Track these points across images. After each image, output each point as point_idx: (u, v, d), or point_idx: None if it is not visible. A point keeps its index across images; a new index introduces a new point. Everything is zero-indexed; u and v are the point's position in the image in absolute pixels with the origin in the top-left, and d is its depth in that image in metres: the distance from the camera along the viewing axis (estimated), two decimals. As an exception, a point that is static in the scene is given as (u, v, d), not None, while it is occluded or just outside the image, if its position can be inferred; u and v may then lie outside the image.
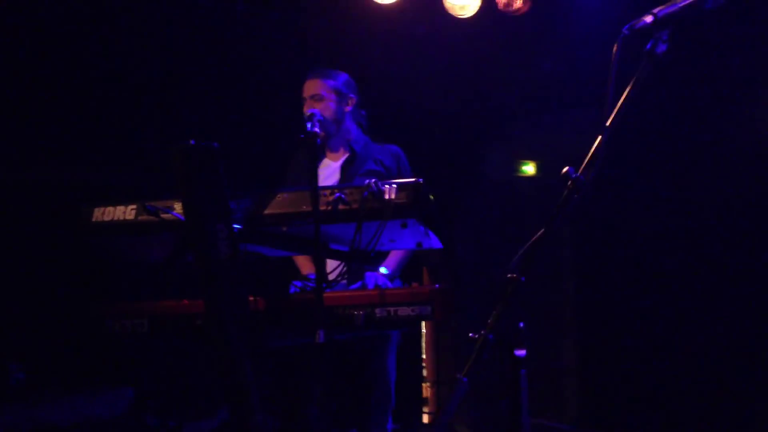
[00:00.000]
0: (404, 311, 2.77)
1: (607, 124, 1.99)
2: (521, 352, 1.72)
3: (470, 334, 1.73)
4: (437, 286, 2.77)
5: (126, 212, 2.90)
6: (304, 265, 3.82)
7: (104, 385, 5.01)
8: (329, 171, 3.89)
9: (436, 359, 6.53)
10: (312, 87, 3.82)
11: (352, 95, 3.91)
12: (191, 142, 2.64)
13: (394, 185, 2.70)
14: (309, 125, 2.90)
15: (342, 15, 5.37)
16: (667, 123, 5.19)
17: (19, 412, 4.65)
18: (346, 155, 3.92)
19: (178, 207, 2.83)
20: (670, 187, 5.33)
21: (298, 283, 3.34)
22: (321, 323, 2.57)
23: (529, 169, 6.72)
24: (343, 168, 3.88)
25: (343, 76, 3.91)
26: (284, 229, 2.80)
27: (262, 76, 5.47)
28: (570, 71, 5.69)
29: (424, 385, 6.48)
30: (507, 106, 6.18)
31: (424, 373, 6.51)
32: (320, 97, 3.79)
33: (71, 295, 4.71)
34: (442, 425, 1.90)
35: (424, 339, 6.50)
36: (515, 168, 6.69)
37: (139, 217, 2.88)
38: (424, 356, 6.50)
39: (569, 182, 1.95)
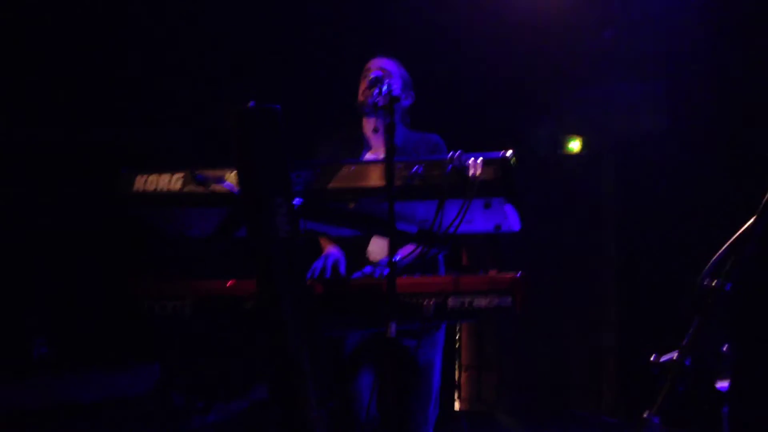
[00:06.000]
0: (481, 302, 2.46)
1: None
2: (724, 385, 1.30)
3: (652, 358, 1.32)
4: (519, 274, 2.47)
5: (171, 181, 2.60)
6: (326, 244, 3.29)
7: (129, 361, 4.79)
8: None
9: (473, 344, 6.28)
10: (380, 62, 3.26)
11: (412, 92, 3.38)
12: (251, 103, 2.34)
13: (480, 159, 2.39)
14: (385, 88, 2.55)
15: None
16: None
17: (41, 387, 4.45)
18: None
19: (230, 177, 2.53)
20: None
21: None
22: (393, 314, 2.27)
23: (575, 145, 6.45)
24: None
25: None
26: (351, 205, 2.48)
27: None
28: (618, 46, 5.39)
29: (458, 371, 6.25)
30: (553, 80, 5.88)
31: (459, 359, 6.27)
32: (389, 73, 3.19)
33: (102, 267, 4.47)
34: None
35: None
36: (561, 144, 6.42)
37: (186, 188, 2.58)
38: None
39: None
